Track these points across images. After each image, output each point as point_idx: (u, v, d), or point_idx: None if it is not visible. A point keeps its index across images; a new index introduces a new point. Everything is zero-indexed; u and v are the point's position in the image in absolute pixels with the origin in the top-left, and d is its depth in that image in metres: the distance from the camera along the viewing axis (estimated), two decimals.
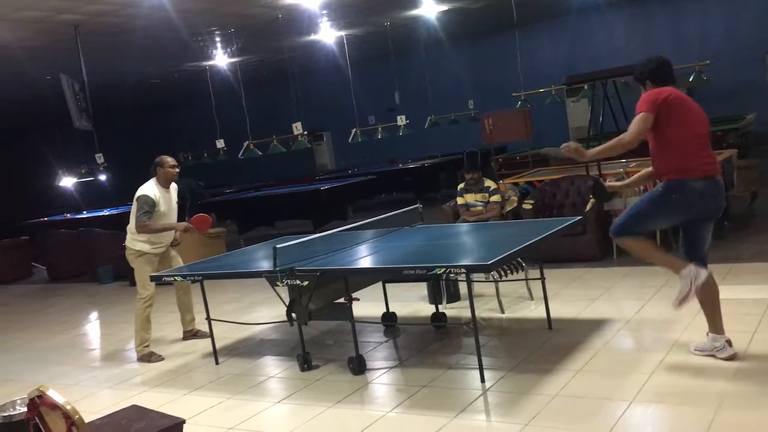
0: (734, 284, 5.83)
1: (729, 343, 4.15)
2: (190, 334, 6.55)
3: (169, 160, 6.22)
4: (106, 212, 13.83)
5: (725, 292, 5.58)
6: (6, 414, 3.69)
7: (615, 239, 4.29)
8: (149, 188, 6.09)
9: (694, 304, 4.20)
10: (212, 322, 5.67)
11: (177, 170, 6.27)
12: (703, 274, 4.00)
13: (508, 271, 5.39)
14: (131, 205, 6.20)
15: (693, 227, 4.17)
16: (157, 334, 6.95)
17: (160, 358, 6.00)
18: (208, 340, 5.77)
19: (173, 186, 6.33)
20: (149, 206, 5.99)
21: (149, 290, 6.12)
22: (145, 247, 6.14)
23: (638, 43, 15.30)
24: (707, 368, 4.08)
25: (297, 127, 12.48)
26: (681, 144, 3.98)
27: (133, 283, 9.85)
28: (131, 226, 6.15)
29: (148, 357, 6.00)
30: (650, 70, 4.14)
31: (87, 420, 2.57)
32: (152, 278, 5.93)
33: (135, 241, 6.14)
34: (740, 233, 7.66)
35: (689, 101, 4.10)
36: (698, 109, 4.13)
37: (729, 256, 6.76)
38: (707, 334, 4.23)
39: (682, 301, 4.07)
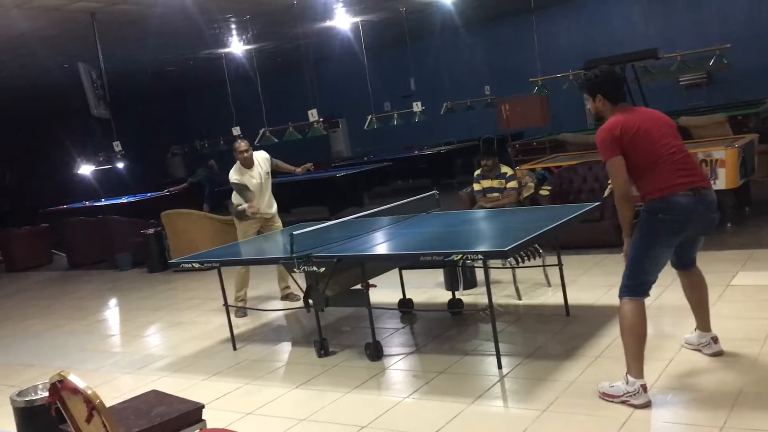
0: (754, 270, 5.77)
1: (714, 340, 4.09)
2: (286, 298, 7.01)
3: (237, 147, 6.67)
4: (124, 199, 13.92)
5: (745, 279, 5.57)
6: (28, 398, 3.76)
7: (621, 300, 3.74)
8: (232, 173, 6.69)
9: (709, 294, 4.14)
10: (230, 308, 5.70)
11: (245, 154, 6.63)
12: (643, 399, 3.58)
13: (525, 258, 5.36)
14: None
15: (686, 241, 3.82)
16: (176, 318, 7.03)
17: (242, 315, 6.60)
18: (225, 326, 5.81)
19: (258, 161, 6.75)
20: (242, 189, 6.57)
21: None
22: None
23: (657, 26, 15.06)
24: (726, 355, 4.05)
25: (313, 114, 12.46)
26: (657, 164, 3.67)
27: (150, 270, 10.03)
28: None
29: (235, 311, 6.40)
30: (600, 83, 3.79)
31: (108, 404, 2.59)
32: (170, 264, 6.04)
33: None
34: (761, 219, 7.57)
35: (643, 118, 3.73)
36: (656, 119, 3.78)
37: (749, 242, 6.69)
38: (695, 329, 4.18)
39: (607, 395, 3.69)
